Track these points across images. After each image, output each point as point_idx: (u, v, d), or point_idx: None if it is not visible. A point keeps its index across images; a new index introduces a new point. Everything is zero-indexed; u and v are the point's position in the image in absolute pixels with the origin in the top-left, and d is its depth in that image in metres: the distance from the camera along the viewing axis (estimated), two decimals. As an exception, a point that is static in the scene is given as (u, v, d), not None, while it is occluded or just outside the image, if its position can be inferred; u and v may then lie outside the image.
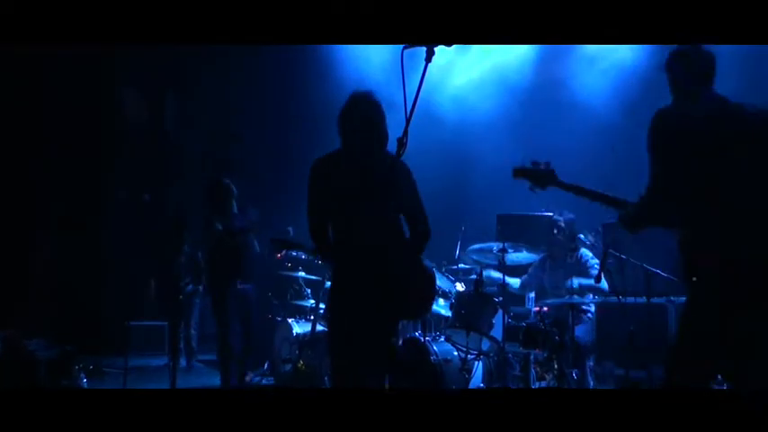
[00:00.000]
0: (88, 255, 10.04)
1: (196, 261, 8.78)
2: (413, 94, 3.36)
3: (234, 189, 6.88)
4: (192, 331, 9.35)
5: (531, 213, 7.81)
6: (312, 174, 4.12)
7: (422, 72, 3.38)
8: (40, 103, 9.41)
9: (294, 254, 7.68)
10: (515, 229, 7.41)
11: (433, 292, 4.63)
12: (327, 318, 4.01)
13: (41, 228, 9.72)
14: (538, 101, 9.21)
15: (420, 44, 3.40)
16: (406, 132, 3.44)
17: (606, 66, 8.82)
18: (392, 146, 3.50)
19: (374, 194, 3.96)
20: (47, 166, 9.70)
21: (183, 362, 8.87)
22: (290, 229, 7.38)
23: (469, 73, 9.78)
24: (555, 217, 6.70)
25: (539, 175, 4.13)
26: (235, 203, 6.87)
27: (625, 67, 8.58)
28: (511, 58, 9.45)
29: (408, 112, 3.40)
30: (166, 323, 9.45)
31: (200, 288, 9.05)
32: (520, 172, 4.17)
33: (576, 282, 5.96)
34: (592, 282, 6.00)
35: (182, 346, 9.10)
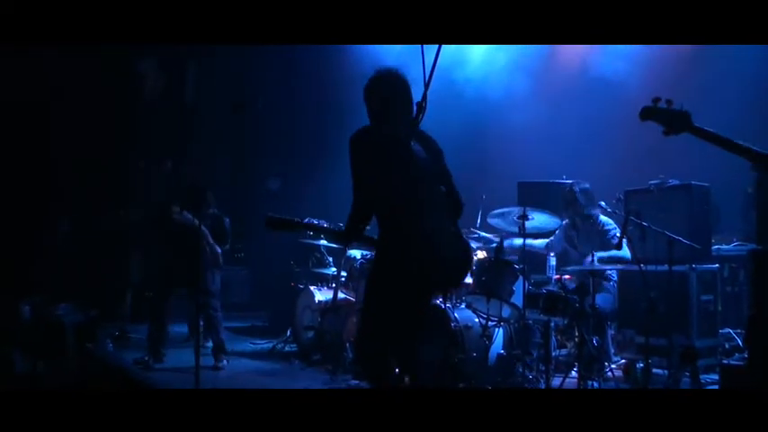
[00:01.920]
0: (112, 223, 10.14)
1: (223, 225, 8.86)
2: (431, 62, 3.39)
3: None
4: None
5: (551, 181, 7.84)
6: (354, 148, 3.85)
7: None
8: (61, 75, 9.44)
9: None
10: (536, 196, 7.43)
11: (471, 264, 4.61)
12: (374, 288, 3.86)
13: (66, 197, 9.80)
14: (559, 68, 9.13)
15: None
16: (425, 96, 3.45)
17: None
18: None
19: (421, 169, 3.85)
20: (71, 135, 9.76)
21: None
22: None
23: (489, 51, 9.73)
24: (570, 185, 6.69)
25: (672, 117, 3.45)
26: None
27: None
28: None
29: (427, 77, 3.41)
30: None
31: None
32: (649, 112, 3.46)
33: (596, 255, 5.94)
34: (611, 253, 5.98)
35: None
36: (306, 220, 7.86)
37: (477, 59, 9.69)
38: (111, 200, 10.32)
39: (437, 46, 3.40)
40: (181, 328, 8.50)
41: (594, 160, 7.99)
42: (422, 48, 3.43)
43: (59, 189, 9.79)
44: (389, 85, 3.87)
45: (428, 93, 3.42)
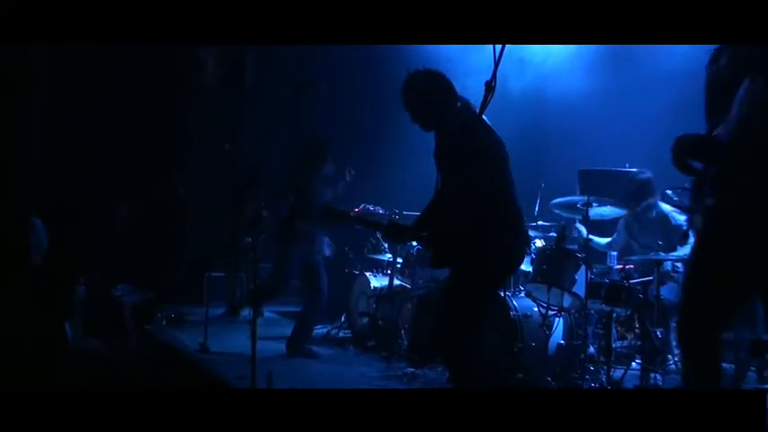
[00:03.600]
0: (170, 205, 10.23)
1: (260, 217, 8.85)
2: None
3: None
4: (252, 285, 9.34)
5: (613, 169, 7.64)
6: (465, 131, 3.84)
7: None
8: (120, 59, 9.52)
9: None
10: (598, 185, 7.23)
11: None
12: (466, 283, 3.83)
13: (124, 177, 9.91)
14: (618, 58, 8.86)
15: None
16: (494, 76, 3.34)
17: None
18: (480, 91, 3.41)
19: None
20: (128, 118, 9.85)
21: (247, 313, 8.87)
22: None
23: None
24: (632, 175, 6.52)
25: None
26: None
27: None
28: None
29: (497, 56, 3.31)
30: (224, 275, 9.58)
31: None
32: None
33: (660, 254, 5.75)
34: (676, 254, 5.78)
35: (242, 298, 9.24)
36: (362, 206, 7.93)
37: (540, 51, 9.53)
38: (169, 180, 10.39)
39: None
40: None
41: (658, 148, 7.74)
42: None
43: (119, 171, 9.90)
44: (433, 76, 3.97)
45: (497, 72, 3.31)
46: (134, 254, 9.26)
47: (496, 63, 3.30)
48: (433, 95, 3.95)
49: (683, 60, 7.37)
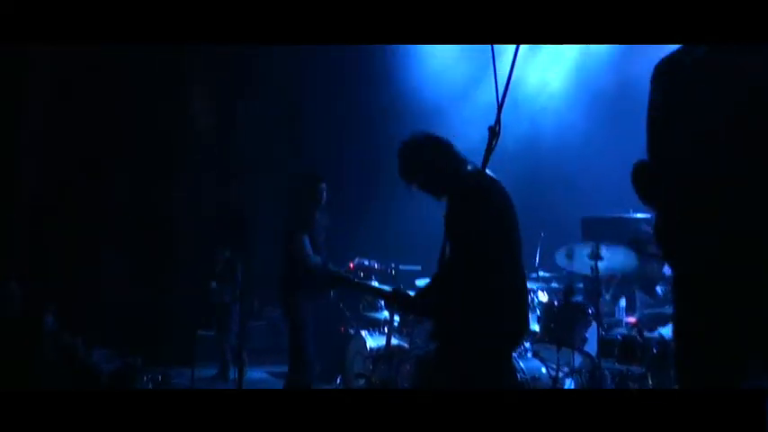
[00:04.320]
0: (155, 259, 9.87)
1: (234, 270, 8.50)
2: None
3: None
4: (234, 343, 8.90)
5: (620, 216, 7.26)
6: (471, 196, 3.63)
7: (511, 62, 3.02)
8: (107, 104, 9.29)
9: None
10: (603, 233, 6.84)
11: None
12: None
13: (110, 232, 9.59)
14: (616, 99, 8.63)
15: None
16: (498, 121, 3.06)
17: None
18: (484, 136, 3.10)
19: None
20: (113, 169, 9.60)
21: (232, 373, 8.45)
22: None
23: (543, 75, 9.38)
24: (638, 222, 6.19)
25: None
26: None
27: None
28: (588, 60, 8.99)
29: (500, 99, 3.02)
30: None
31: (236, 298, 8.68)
32: None
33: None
34: None
35: (228, 357, 8.82)
36: (356, 260, 7.55)
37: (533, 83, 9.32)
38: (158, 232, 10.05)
39: (510, 65, 3.00)
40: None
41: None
42: (494, 66, 3.04)
43: (107, 219, 9.59)
44: (430, 141, 3.74)
45: (501, 116, 3.01)
46: (119, 310, 8.92)
47: (500, 106, 3.03)
48: (436, 163, 3.68)
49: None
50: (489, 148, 3.07)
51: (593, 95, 8.82)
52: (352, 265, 7.38)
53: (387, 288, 4.63)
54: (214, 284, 8.75)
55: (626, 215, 7.15)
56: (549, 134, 9.12)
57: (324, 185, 6.27)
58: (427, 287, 3.86)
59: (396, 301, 3.98)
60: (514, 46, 3.03)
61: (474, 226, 3.46)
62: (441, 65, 9.50)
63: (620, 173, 8.10)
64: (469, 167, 3.64)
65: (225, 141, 10.42)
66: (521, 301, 3.64)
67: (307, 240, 6.03)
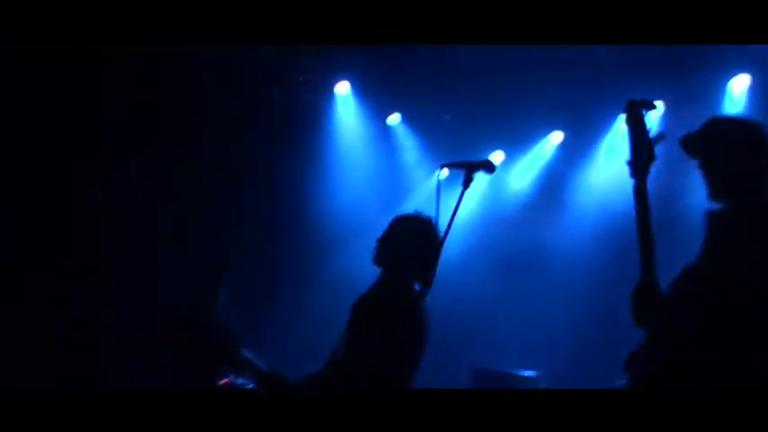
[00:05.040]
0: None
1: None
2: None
3: None
4: None
5: (508, 371, 7.21)
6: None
7: (458, 198, 3.08)
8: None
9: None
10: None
11: None
12: None
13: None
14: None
15: (458, 167, 3.13)
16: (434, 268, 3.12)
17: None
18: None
19: None
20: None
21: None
22: None
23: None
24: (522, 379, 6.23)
25: None
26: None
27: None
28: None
29: (440, 240, 3.08)
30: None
31: None
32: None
33: None
34: None
35: None
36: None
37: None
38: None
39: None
40: None
41: (554, 350, 7.40)
42: (438, 199, 3.12)
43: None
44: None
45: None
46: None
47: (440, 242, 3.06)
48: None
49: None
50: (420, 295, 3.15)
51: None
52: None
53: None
54: None
55: (515, 371, 7.16)
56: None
57: None
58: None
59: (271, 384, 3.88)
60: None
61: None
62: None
63: (510, 329, 7.99)
64: None
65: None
66: None
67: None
